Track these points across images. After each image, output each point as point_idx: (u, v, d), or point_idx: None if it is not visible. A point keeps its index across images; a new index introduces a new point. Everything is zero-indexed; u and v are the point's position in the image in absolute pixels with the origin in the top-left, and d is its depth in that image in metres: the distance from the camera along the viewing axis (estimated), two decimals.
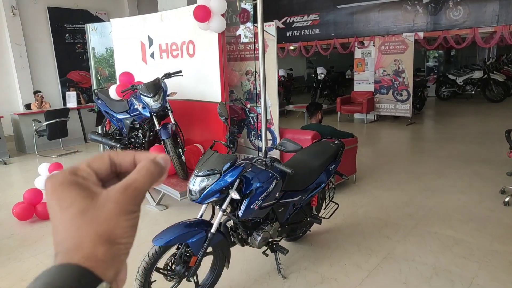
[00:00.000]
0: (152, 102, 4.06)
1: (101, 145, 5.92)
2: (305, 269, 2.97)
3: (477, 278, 2.75)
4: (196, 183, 2.27)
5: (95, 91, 5.02)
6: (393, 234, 3.52)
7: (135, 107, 4.26)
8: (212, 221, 2.43)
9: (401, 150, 7.16)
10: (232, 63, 4.85)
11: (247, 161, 2.44)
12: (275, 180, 2.44)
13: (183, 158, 4.22)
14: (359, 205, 4.25)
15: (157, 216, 4.21)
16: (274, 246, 2.80)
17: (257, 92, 4.62)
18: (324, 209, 3.29)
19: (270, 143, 4.62)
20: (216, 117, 4.19)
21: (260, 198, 2.41)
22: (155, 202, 4.44)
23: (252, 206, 2.39)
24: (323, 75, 11.93)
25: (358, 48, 9.77)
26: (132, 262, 2.59)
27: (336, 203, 3.32)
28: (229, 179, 2.27)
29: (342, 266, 3.01)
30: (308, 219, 3.09)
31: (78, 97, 8.90)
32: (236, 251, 2.71)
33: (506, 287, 2.66)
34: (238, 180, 2.32)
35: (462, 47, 8.75)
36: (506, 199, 4.02)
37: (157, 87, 4.09)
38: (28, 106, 8.70)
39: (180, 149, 4.21)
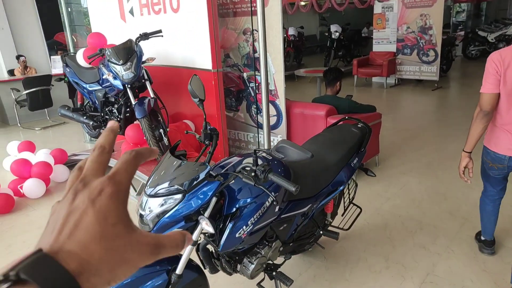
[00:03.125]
0: (122, 71, 3.20)
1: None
2: None
3: None
4: (148, 206, 1.47)
5: (64, 56, 4.15)
6: (431, 242, 2.72)
7: (105, 77, 3.41)
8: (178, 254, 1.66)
9: (429, 121, 6.19)
10: (226, 19, 3.89)
11: (227, 168, 1.60)
12: (269, 198, 1.62)
13: (165, 140, 3.41)
14: (384, 198, 3.44)
15: None
16: (274, 273, 2.04)
17: (257, 56, 3.70)
18: (342, 216, 2.49)
19: (274, 119, 3.76)
20: (209, 86, 3.35)
21: (249, 223, 1.60)
22: (135, 192, 3.70)
23: (237, 235, 1.59)
24: (337, 34, 10.72)
25: (378, 1, 8.53)
26: None
27: (358, 207, 2.52)
28: (198, 200, 1.45)
29: None
30: (321, 232, 2.30)
31: None
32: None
33: None
34: (214, 200, 1.51)
35: None
36: None
37: (128, 52, 3.22)
38: (12, 72, 7.89)
39: (161, 130, 3.40)
